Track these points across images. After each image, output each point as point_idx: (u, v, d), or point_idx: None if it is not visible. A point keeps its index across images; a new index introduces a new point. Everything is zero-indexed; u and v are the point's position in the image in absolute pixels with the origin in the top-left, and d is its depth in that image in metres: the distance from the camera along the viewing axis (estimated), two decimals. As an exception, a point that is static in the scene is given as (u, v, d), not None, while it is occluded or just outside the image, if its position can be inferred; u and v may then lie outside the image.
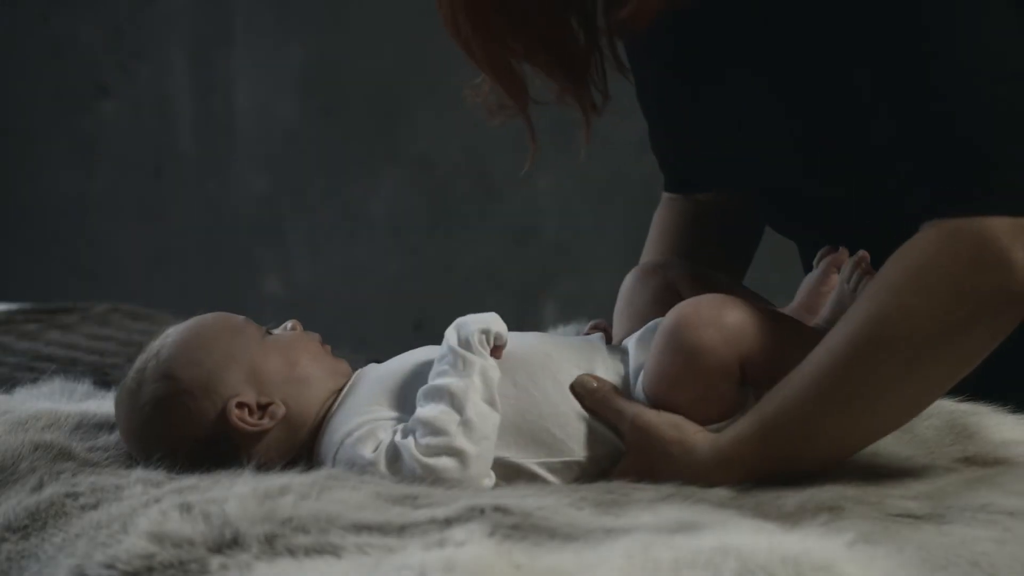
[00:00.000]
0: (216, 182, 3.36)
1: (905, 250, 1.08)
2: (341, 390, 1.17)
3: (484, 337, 1.12)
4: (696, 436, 1.12)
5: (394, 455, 1.09)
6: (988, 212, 1.06)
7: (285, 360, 1.16)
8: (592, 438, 1.14)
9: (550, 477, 1.13)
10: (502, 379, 1.13)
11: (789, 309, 1.25)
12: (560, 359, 1.17)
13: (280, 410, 1.14)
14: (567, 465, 1.13)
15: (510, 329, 1.18)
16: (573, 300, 3.08)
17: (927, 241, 1.07)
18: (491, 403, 1.11)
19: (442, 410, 1.09)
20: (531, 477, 1.13)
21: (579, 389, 1.15)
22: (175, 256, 3.41)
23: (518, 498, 0.95)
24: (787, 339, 1.14)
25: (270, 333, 1.20)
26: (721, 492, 1.06)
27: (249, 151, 3.32)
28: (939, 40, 1.08)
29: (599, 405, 1.14)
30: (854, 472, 1.11)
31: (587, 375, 1.16)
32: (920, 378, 1.08)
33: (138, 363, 1.18)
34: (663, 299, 1.24)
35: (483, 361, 1.12)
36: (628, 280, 1.31)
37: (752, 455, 1.09)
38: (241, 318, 1.20)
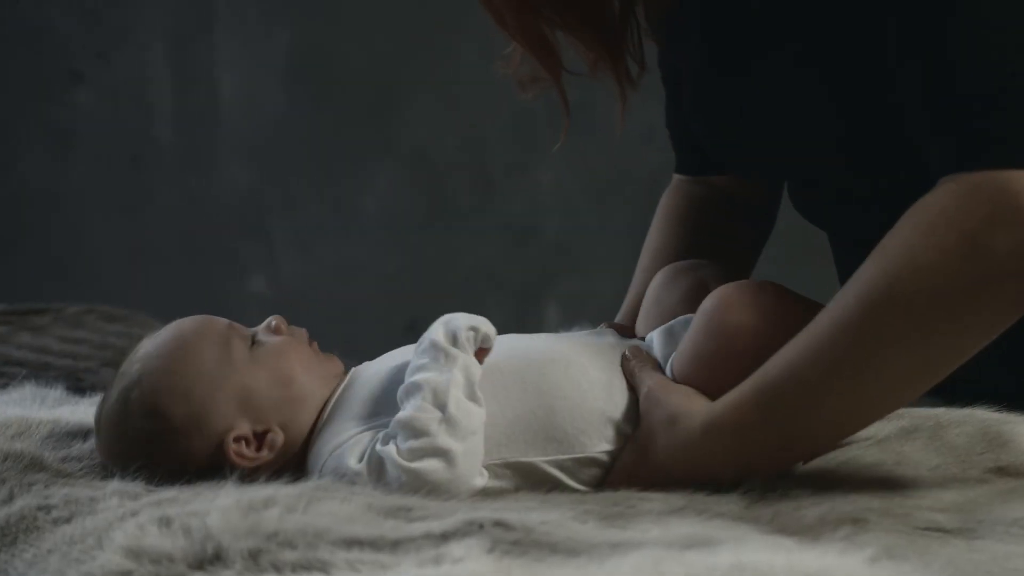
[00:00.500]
0: (198, 175, 3.35)
1: (919, 205, 1.07)
2: (333, 394, 1.17)
3: (472, 335, 1.13)
4: (697, 403, 1.12)
5: (378, 464, 1.09)
6: (1008, 165, 1.04)
7: (277, 378, 1.16)
8: (609, 433, 1.14)
9: (562, 476, 1.13)
10: (511, 379, 1.14)
11: None
12: (571, 353, 1.18)
13: (279, 438, 1.14)
14: (580, 462, 1.14)
15: (509, 331, 1.18)
16: (575, 301, 3.08)
17: (942, 195, 1.06)
18: (473, 399, 1.11)
19: (422, 408, 1.09)
20: (542, 477, 1.13)
21: (626, 353, 1.17)
22: (154, 253, 3.40)
23: (519, 511, 0.95)
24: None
25: (255, 341, 1.19)
26: (736, 503, 1.05)
27: (233, 142, 3.32)
28: None
29: (630, 371, 1.16)
30: (879, 482, 1.11)
31: (636, 347, 1.18)
32: (931, 343, 1.06)
33: (118, 386, 1.16)
34: (694, 298, 1.24)
35: (466, 357, 1.12)
36: (658, 278, 1.31)
37: (746, 422, 1.09)
38: (223, 324, 1.19)
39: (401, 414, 1.10)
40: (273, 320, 1.20)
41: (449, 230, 3.16)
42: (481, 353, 1.14)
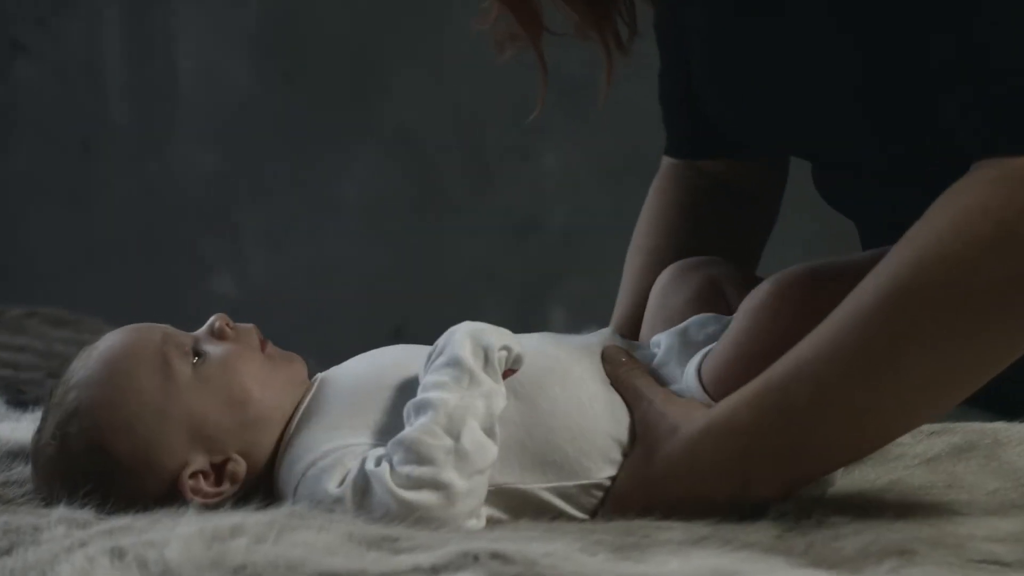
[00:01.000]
0: (155, 160, 3.35)
1: (951, 192, 1.07)
2: (300, 404, 1.17)
3: (505, 355, 1.12)
4: (701, 410, 1.12)
5: (364, 487, 1.08)
6: None
7: (230, 399, 1.15)
8: (615, 455, 1.14)
9: (564, 505, 1.13)
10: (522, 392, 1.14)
11: None
12: (570, 361, 1.18)
13: (240, 467, 1.14)
14: (584, 489, 1.13)
15: None
16: (585, 303, 3.08)
17: (978, 181, 1.07)
18: (490, 434, 1.10)
19: (431, 431, 1.08)
20: (540, 507, 1.13)
21: (607, 357, 1.17)
22: (106, 249, 3.40)
23: (519, 541, 0.95)
24: None
25: (198, 353, 1.17)
26: (766, 532, 1.05)
27: (195, 123, 3.32)
28: None
29: (621, 381, 1.16)
30: (928, 507, 1.11)
31: (617, 347, 1.18)
32: (956, 345, 1.06)
33: (53, 418, 1.16)
34: (704, 297, 1.24)
35: (493, 384, 1.11)
36: (664, 277, 1.31)
37: (748, 424, 1.08)
38: (158, 338, 1.17)
39: (406, 432, 1.08)
40: (216, 321, 1.19)
41: (440, 222, 3.16)
42: (507, 375, 1.13)
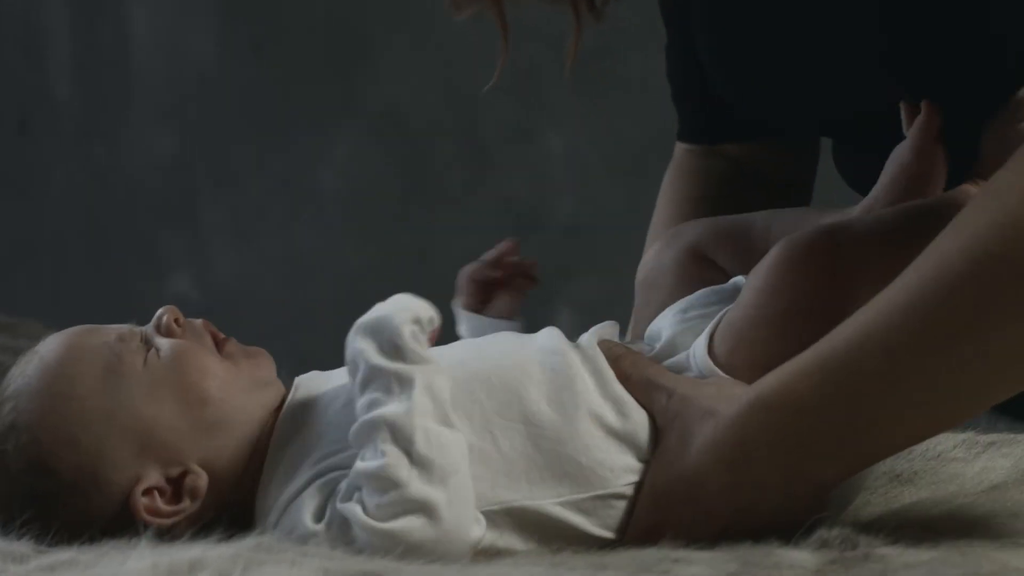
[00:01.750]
0: (104, 143, 3.36)
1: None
2: (279, 408, 1.17)
3: (416, 330, 1.12)
4: (739, 387, 1.13)
5: (341, 525, 1.09)
6: None
7: (184, 400, 1.15)
8: (631, 460, 1.14)
9: (581, 521, 1.13)
10: (501, 398, 1.14)
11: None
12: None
13: (201, 480, 1.14)
14: (603, 500, 1.13)
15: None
16: (595, 304, 3.08)
17: None
18: (446, 422, 1.10)
19: (384, 452, 1.08)
20: (555, 527, 1.13)
21: (605, 354, 1.17)
22: (49, 244, 3.41)
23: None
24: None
25: (147, 344, 1.17)
26: (803, 568, 1.05)
27: (151, 100, 3.32)
28: None
29: (628, 376, 1.16)
30: (991, 538, 1.10)
31: (612, 341, 1.19)
32: None
33: None
34: (691, 273, 1.26)
35: (424, 368, 1.11)
36: (641, 272, 1.33)
37: (807, 398, 1.08)
38: (109, 337, 1.17)
39: (359, 465, 1.09)
40: (164, 315, 1.18)
41: (431, 214, 3.17)
42: (432, 337, 1.13)
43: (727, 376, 1.15)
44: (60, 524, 1.12)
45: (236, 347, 1.20)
